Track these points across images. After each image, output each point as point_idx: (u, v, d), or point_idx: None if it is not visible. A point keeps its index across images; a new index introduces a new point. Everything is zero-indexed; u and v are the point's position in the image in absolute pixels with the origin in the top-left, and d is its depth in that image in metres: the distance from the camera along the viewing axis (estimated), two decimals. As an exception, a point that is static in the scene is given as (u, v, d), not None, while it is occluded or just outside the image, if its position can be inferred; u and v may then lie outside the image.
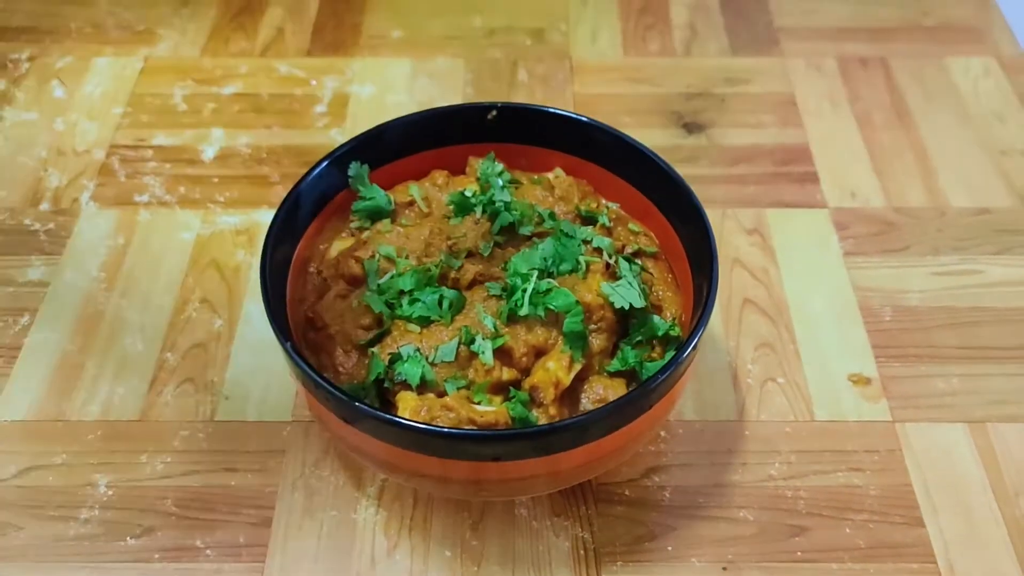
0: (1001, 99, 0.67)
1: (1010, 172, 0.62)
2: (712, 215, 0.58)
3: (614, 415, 0.39)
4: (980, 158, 0.63)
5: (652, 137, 0.64)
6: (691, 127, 0.65)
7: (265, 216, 0.59)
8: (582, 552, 0.44)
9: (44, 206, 0.60)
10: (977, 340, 0.53)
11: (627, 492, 0.47)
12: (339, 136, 0.65)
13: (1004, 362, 0.52)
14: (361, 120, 0.66)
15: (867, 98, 0.67)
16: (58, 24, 0.72)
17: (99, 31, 0.72)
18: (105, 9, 0.73)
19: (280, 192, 0.60)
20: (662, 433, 0.48)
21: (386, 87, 0.69)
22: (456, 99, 0.68)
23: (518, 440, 0.39)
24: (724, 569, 0.44)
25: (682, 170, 0.61)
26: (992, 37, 0.72)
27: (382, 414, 0.39)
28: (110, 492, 0.47)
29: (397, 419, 0.39)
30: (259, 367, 0.52)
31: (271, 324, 0.42)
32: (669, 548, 0.45)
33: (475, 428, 0.40)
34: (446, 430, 0.39)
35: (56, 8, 0.73)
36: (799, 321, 0.54)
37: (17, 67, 0.69)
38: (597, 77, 0.69)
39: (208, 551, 0.45)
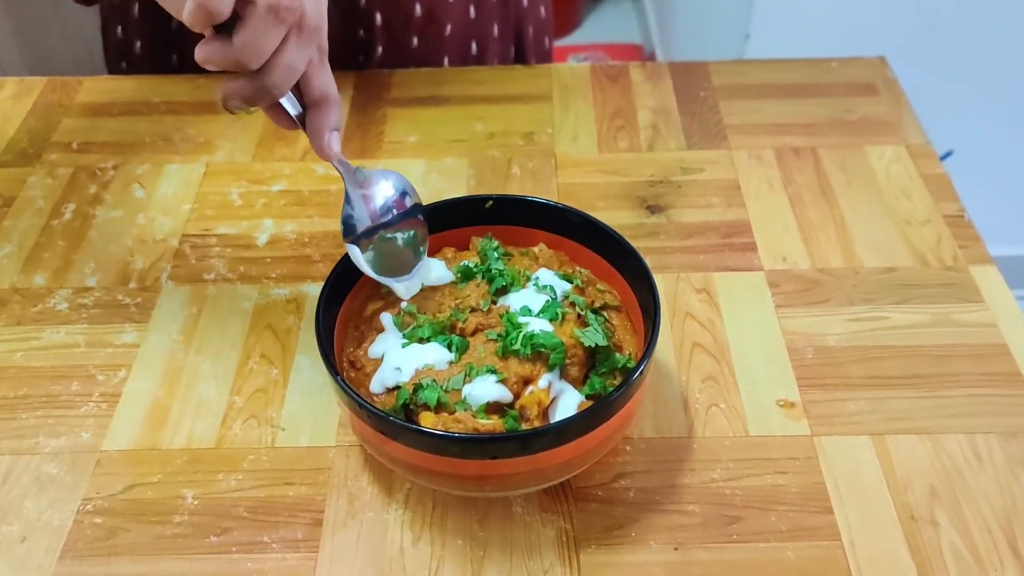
0: (908, 180, 0.80)
1: (912, 238, 0.75)
2: (669, 278, 0.72)
3: (583, 422, 0.52)
4: (888, 228, 0.76)
5: (621, 217, 0.77)
6: (653, 209, 0.78)
7: (309, 288, 0.72)
8: (565, 539, 0.56)
9: (132, 284, 0.73)
10: (880, 371, 0.65)
11: (600, 492, 0.58)
12: (367, 223, 0.79)
13: (901, 388, 0.64)
14: (384, 210, 0.80)
15: (798, 181, 0.80)
16: (135, 139, 0.86)
17: (169, 143, 0.86)
18: (172, 126, 0.88)
19: (321, 268, 0.74)
20: (627, 448, 0.61)
21: (404, 182, 0.83)
22: (461, 191, 0.80)
23: (510, 441, 0.51)
24: (675, 549, 0.55)
25: (645, 243, 0.75)
26: (903, 129, 0.85)
27: (412, 425, 0.52)
28: (196, 502, 0.58)
29: (423, 428, 0.52)
30: (308, 405, 0.64)
31: (325, 364, 0.54)
32: (633, 534, 0.56)
33: (478, 434, 0.53)
34: (457, 435, 0.51)
35: (133, 126, 0.88)
36: (738, 359, 0.66)
37: (104, 174, 0.83)
38: (577, 170, 0.82)
39: (274, 545, 0.56)
